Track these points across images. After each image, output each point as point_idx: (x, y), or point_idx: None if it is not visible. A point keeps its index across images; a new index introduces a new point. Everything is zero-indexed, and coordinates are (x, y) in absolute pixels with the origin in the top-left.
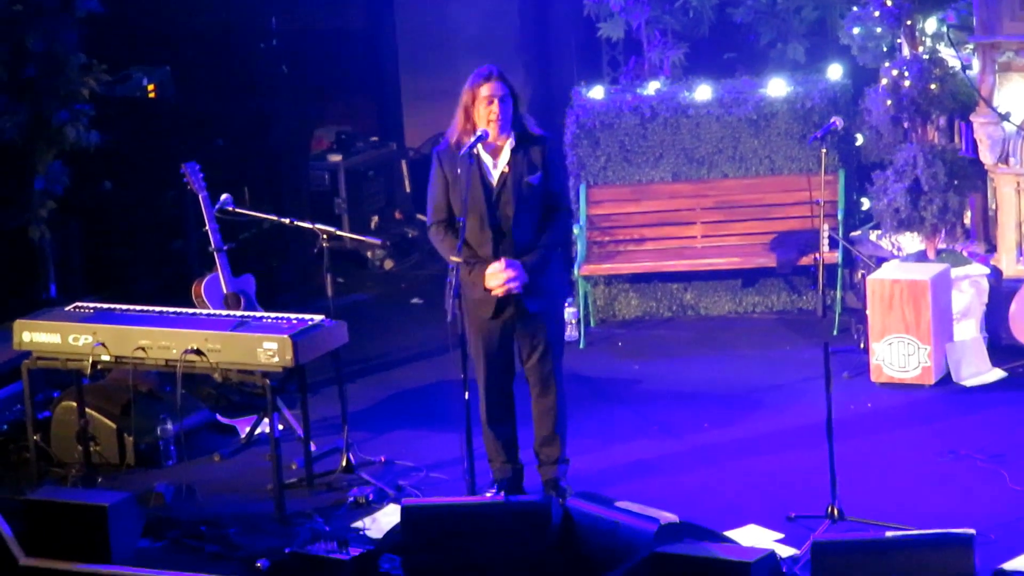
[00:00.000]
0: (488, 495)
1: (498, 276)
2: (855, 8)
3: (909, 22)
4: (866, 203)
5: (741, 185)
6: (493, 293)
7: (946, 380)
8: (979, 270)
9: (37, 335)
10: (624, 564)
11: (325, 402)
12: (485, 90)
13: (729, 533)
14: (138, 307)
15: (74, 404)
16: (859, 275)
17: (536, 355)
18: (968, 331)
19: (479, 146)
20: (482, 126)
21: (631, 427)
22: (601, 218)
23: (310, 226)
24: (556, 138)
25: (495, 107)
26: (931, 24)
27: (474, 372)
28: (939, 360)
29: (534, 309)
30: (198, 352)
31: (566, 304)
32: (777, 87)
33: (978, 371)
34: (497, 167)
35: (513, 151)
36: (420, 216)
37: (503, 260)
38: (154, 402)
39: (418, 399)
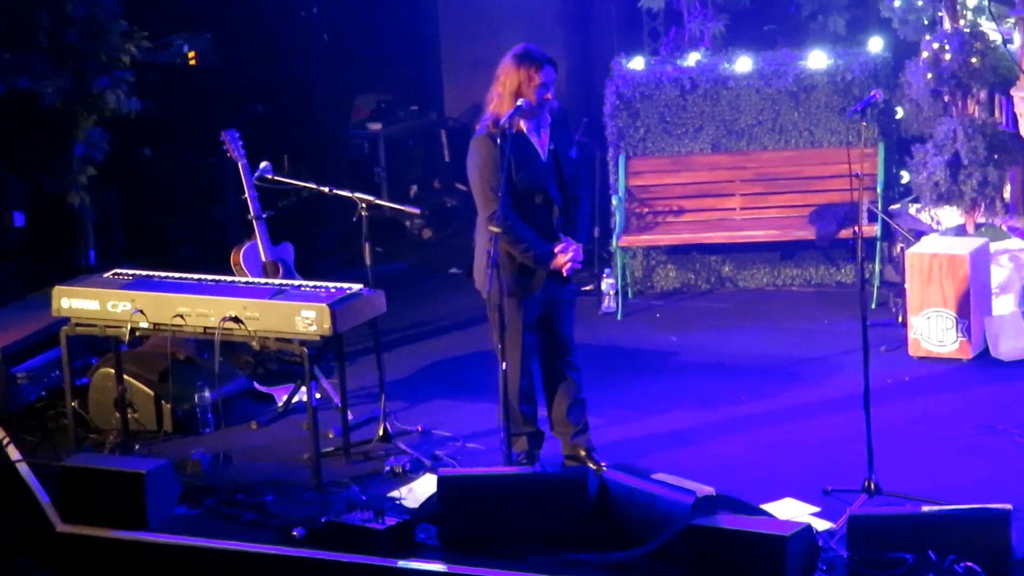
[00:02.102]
0: (523, 461)
1: (569, 253)
2: None
3: None
4: (906, 176)
5: (780, 157)
6: (563, 270)
7: (984, 354)
8: (1018, 244)
9: (76, 301)
10: (660, 536)
11: (362, 371)
12: (542, 76)
13: (765, 506)
14: (177, 274)
15: (112, 371)
16: (898, 248)
17: (568, 322)
18: (1006, 305)
19: (523, 125)
20: (535, 105)
21: (668, 399)
22: (640, 189)
23: (349, 195)
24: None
25: (545, 92)
26: None
27: (505, 346)
28: (977, 334)
29: (573, 278)
30: (236, 320)
31: (603, 275)
32: (817, 59)
33: (1016, 346)
34: (544, 144)
35: (551, 127)
36: (459, 185)
37: (568, 240)
38: (192, 369)
39: (455, 369)
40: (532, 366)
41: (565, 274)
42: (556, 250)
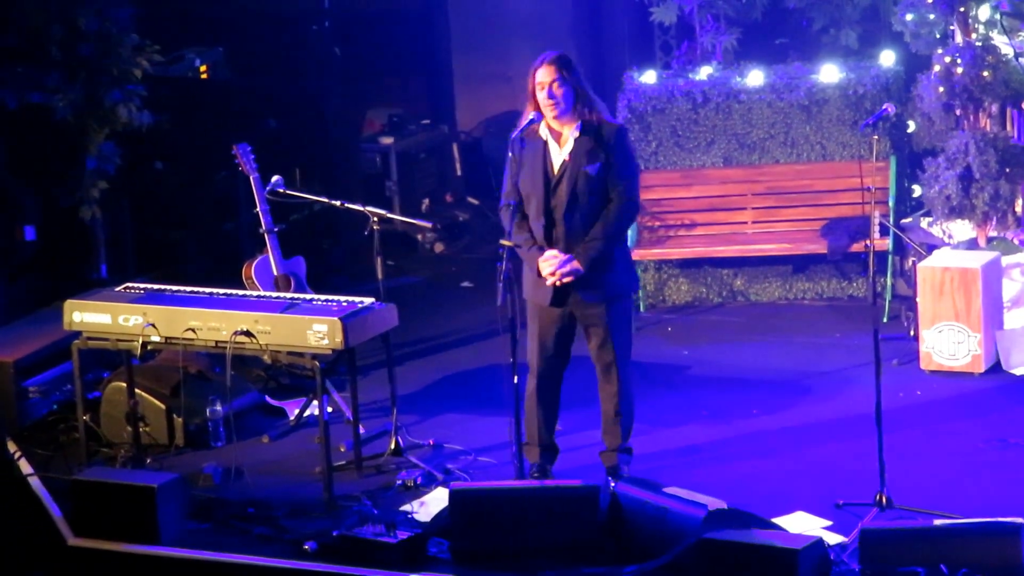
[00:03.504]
0: (535, 475)
1: (549, 263)
2: None
3: (962, 9)
4: (917, 190)
5: (792, 171)
6: (547, 283)
7: (996, 368)
8: None
9: (88, 315)
10: (672, 549)
11: (374, 385)
12: (539, 76)
13: (777, 520)
14: (188, 288)
15: (124, 384)
16: (910, 262)
17: (595, 344)
18: (1018, 319)
19: (547, 133)
20: (544, 112)
21: (680, 412)
22: (652, 203)
23: (361, 208)
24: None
25: (545, 94)
26: (984, 11)
27: (526, 352)
28: (989, 348)
29: (590, 300)
30: (248, 334)
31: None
32: (829, 73)
33: None
34: (560, 155)
35: (577, 140)
36: (471, 199)
37: (556, 251)
38: (203, 383)
39: (467, 382)
40: (555, 377)
41: (548, 284)
42: (540, 257)
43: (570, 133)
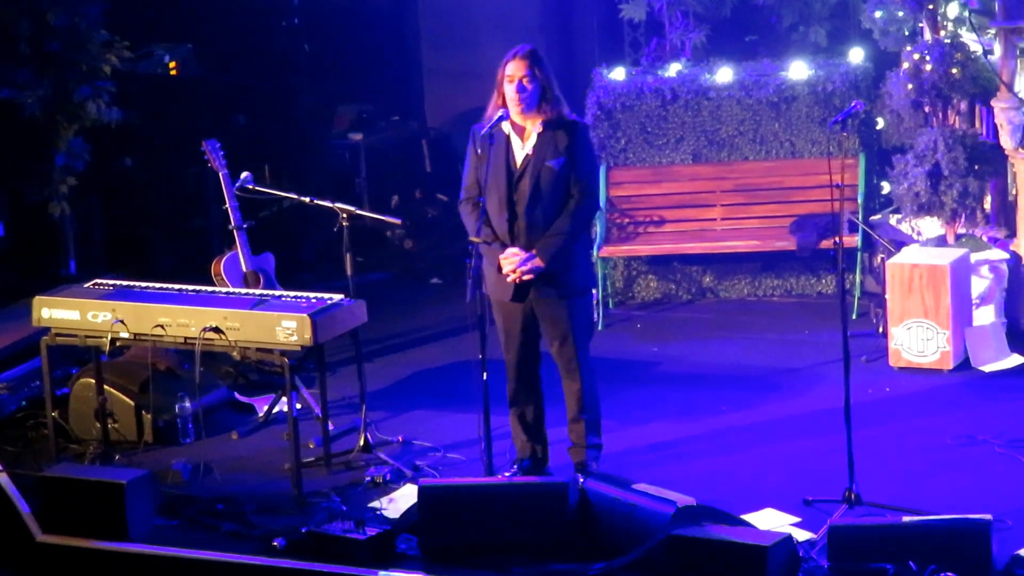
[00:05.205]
0: (506, 475)
1: (510, 261)
2: None
3: (931, 6)
4: (886, 187)
5: (761, 168)
6: (508, 279)
7: (964, 365)
8: (998, 255)
9: (56, 311)
10: (641, 546)
11: (343, 381)
12: (508, 69)
13: (746, 516)
14: (157, 284)
15: (92, 381)
16: (878, 259)
17: (556, 342)
18: (987, 316)
19: (509, 128)
20: (509, 106)
21: (649, 409)
22: (621, 199)
23: (330, 205)
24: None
25: (514, 87)
26: (953, 8)
27: (501, 351)
28: (958, 345)
29: (550, 296)
30: (217, 330)
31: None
32: (798, 70)
33: (996, 356)
34: (523, 149)
35: (540, 135)
36: (440, 196)
37: (517, 248)
38: (172, 380)
39: (436, 379)
40: (528, 372)
41: (508, 280)
42: (502, 253)
43: (533, 128)
